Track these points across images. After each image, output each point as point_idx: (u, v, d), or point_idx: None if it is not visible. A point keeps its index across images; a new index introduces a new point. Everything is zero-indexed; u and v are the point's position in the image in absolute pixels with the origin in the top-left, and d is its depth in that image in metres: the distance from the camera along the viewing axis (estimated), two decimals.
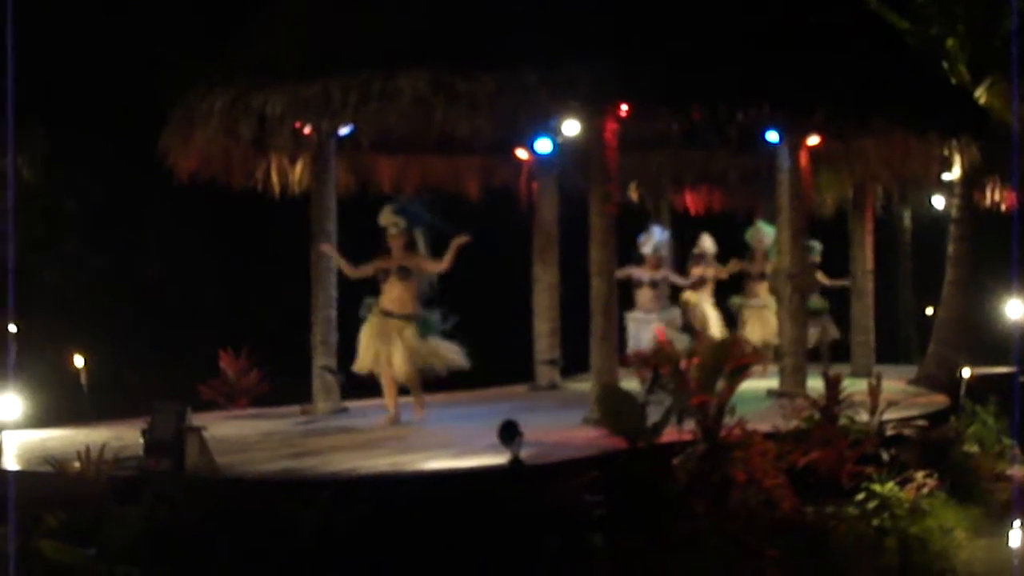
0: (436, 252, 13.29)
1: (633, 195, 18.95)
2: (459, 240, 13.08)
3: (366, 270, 13.42)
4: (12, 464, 10.75)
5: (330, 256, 13.94)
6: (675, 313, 16.03)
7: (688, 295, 17.36)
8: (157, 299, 19.23)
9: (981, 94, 16.86)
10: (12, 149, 13.09)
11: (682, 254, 18.09)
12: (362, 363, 13.27)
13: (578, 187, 15.46)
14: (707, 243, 17.61)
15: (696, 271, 17.46)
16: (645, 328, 15.28)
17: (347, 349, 14.28)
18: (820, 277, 18.58)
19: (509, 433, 9.94)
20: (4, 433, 11.48)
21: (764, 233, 17.32)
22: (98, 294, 18.48)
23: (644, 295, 15.74)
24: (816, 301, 18.32)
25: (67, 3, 18.69)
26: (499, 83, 12.02)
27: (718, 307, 17.59)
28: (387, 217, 13.25)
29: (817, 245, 18.33)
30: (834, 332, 18.60)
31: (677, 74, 12.55)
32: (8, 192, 12.85)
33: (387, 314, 13.12)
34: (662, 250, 15.97)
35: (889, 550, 10.63)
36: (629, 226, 15.32)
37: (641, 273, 15.71)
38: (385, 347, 13.09)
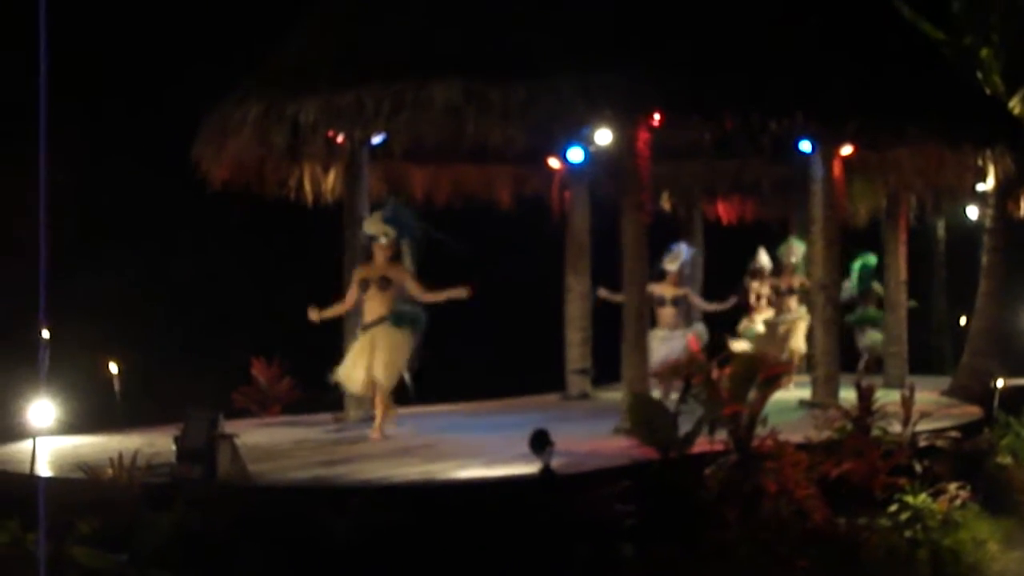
0: (426, 266, 13.02)
1: (666, 204, 18.95)
2: (459, 291, 12.81)
3: (352, 295, 13.10)
4: (45, 470, 10.80)
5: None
6: (700, 328, 15.88)
7: (744, 324, 17.39)
8: (190, 306, 19.29)
9: (1015, 104, 16.81)
10: (44, 152, 13.10)
11: (713, 265, 18.07)
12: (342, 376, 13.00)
13: (610, 196, 15.46)
14: (764, 258, 17.48)
15: (755, 287, 17.38)
16: (667, 346, 15.13)
17: None
18: (877, 287, 18.55)
19: (540, 442, 9.93)
20: (37, 439, 11.52)
21: (794, 248, 17.27)
22: (132, 300, 18.54)
23: (666, 313, 15.56)
24: (872, 311, 18.31)
25: (104, 7, 18.78)
26: (532, 92, 12.03)
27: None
28: (376, 225, 12.93)
29: (874, 258, 18.29)
30: (875, 343, 18.46)
31: (710, 83, 12.54)
32: (40, 196, 12.87)
33: (366, 327, 12.87)
34: (686, 268, 15.84)
35: (921, 562, 10.58)
36: (661, 236, 15.29)
37: (663, 291, 15.47)
38: (356, 362, 12.80)
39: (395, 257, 12.93)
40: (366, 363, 12.73)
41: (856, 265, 18.43)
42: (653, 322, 15.39)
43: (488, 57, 12.26)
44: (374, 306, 12.83)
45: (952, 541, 10.77)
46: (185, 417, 10.35)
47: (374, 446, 12.29)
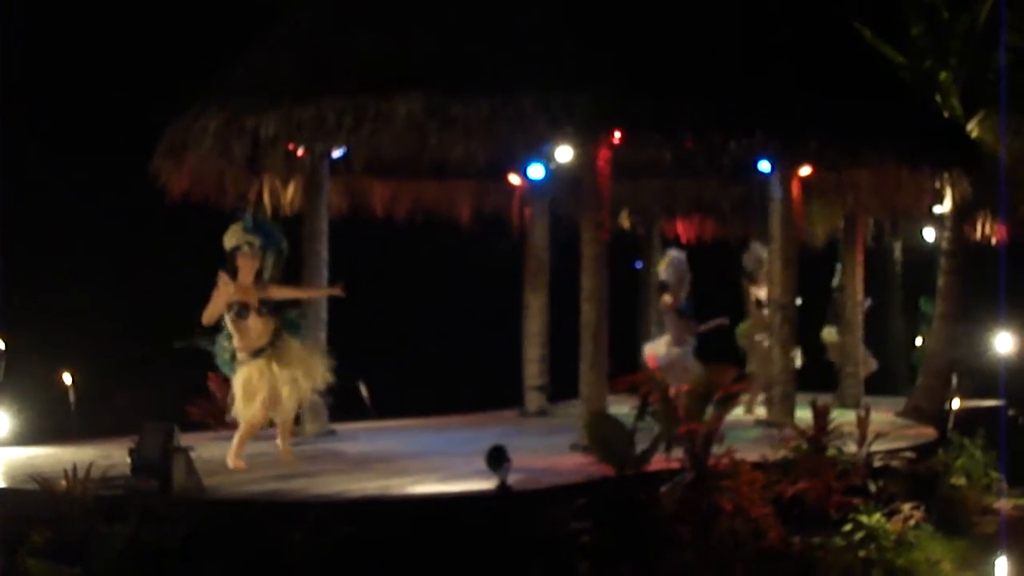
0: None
1: (625, 222, 18.98)
2: (335, 289, 12.48)
3: (216, 309, 11.76)
4: None
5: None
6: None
7: (746, 326, 16.90)
8: (147, 318, 19.20)
9: (973, 128, 16.92)
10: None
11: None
12: (253, 415, 11.79)
13: (570, 213, 15.48)
14: (764, 252, 16.16)
15: (755, 290, 16.64)
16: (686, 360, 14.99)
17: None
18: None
19: (497, 458, 9.94)
20: None
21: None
22: (88, 311, 18.45)
23: (686, 325, 15.50)
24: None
25: (64, 23, 18.73)
26: (494, 108, 12.04)
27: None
28: (239, 236, 12.06)
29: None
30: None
31: (671, 102, 12.56)
32: None
33: (257, 352, 11.80)
34: (671, 276, 15.56)
35: None
36: (620, 253, 15.31)
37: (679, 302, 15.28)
38: (267, 389, 11.81)
39: (259, 272, 12.09)
40: (288, 383, 11.93)
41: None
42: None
43: (450, 72, 12.27)
44: (260, 329, 11.83)
45: (906, 561, 10.82)
46: (140, 429, 10.30)
47: (329, 461, 12.24)
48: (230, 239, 12.13)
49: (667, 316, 15.53)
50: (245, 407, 11.84)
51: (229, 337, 12.26)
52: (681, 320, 15.38)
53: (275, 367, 11.85)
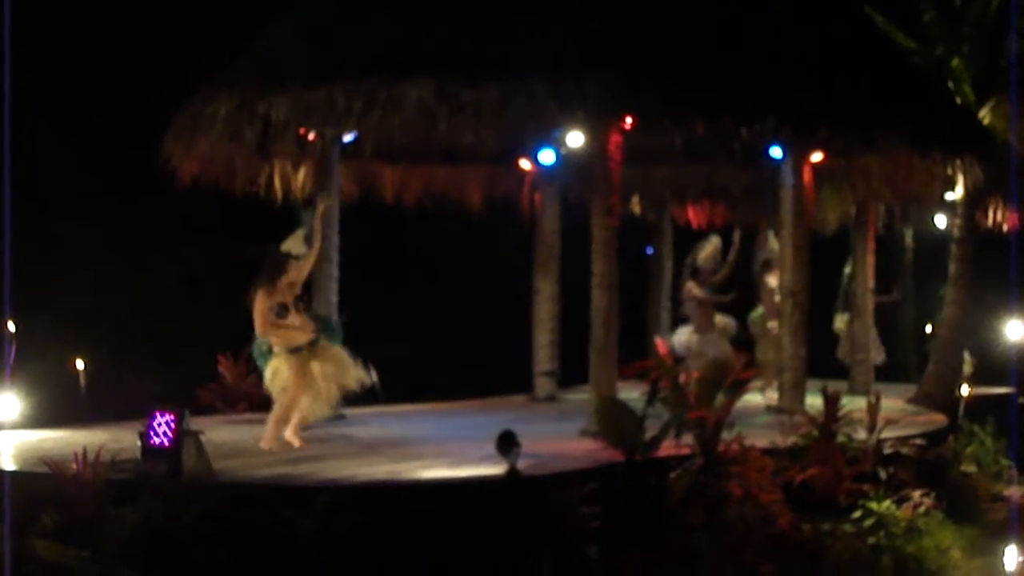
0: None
1: (636, 208, 18.95)
2: (324, 203, 12.68)
3: (266, 318, 11.83)
4: (9, 464, 10.73)
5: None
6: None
7: (759, 314, 16.90)
8: (157, 301, 19.22)
9: (985, 114, 16.86)
10: (8, 145, 13.04)
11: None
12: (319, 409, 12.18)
13: (580, 199, 15.47)
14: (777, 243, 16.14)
15: (770, 279, 16.46)
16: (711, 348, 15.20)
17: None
18: None
19: (507, 443, 9.93)
20: (1, 433, 11.47)
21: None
22: (98, 295, 18.46)
23: (709, 312, 15.68)
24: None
25: (74, 8, 18.73)
26: (504, 93, 12.03)
27: None
28: (300, 245, 12.26)
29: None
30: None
31: (682, 88, 12.55)
32: (4, 188, 12.83)
33: (296, 349, 11.98)
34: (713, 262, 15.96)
35: (885, 568, 10.64)
36: (631, 239, 15.31)
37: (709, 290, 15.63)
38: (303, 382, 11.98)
39: None
40: (321, 379, 12.10)
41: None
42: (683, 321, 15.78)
43: (461, 58, 12.26)
44: (299, 323, 11.98)
45: (915, 548, 10.83)
46: (150, 413, 10.31)
47: (339, 445, 12.24)
48: (294, 245, 12.22)
49: (689, 303, 15.71)
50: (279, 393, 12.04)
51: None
52: (702, 307, 15.58)
53: (313, 365, 11.99)
